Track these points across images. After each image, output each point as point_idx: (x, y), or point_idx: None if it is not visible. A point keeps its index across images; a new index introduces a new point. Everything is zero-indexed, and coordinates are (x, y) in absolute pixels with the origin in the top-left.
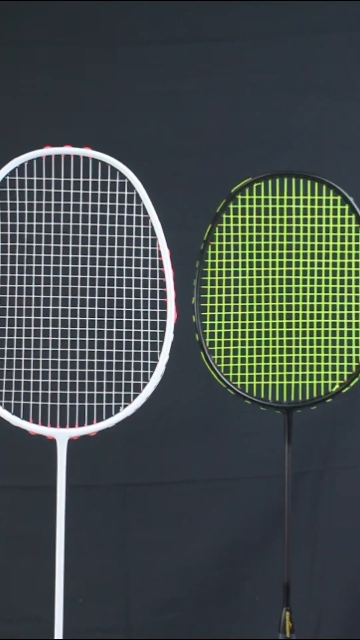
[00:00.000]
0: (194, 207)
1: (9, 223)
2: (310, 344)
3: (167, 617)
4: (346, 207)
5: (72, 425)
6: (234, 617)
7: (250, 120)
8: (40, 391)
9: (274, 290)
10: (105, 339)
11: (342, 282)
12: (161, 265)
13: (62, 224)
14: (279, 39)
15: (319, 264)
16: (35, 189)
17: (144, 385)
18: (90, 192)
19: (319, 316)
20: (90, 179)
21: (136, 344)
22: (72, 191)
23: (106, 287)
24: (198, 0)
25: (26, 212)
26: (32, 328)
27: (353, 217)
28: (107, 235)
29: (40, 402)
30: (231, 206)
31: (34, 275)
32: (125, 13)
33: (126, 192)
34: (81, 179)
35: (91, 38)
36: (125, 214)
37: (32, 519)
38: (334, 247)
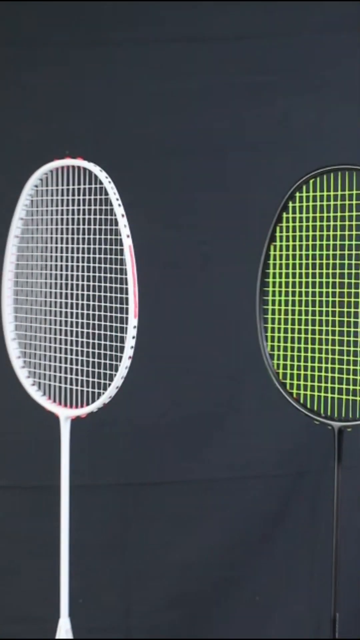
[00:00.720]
0: (193, 207)
1: None
2: None
3: (167, 617)
4: None
5: (70, 406)
6: (234, 617)
7: (250, 120)
8: (49, 372)
9: (333, 294)
10: (89, 331)
11: None
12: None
13: (44, 227)
14: (279, 39)
15: None
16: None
17: (114, 375)
18: (76, 197)
19: None
20: (72, 186)
21: (110, 337)
22: (63, 197)
23: (75, 282)
24: (198, 0)
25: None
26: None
27: None
28: (90, 236)
29: (50, 383)
30: (290, 205)
31: (27, 271)
32: (125, 12)
33: (99, 196)
34: (70, 186)
35: (91, 38)
36: (101, 217)
37: (33, 518)
38: None
